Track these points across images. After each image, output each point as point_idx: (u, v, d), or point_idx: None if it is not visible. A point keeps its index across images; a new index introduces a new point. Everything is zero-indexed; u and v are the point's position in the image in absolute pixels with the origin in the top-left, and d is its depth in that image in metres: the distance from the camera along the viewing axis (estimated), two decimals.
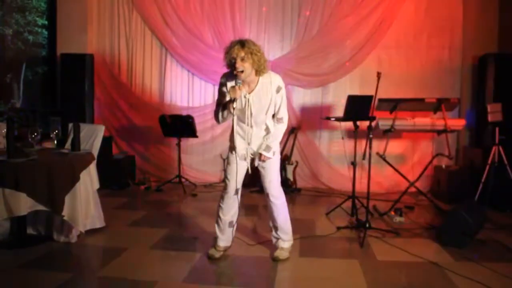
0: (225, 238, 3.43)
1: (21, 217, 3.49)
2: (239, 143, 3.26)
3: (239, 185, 3.37)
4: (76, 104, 5.97)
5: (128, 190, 5.90)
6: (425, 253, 3.49)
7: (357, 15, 6.04)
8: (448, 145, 4.90)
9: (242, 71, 2.99)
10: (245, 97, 3.12)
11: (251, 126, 3.21)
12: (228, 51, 3.02)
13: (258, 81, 3.11)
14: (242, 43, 3.00)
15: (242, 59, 2.97)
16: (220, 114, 3.18)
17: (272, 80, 3.12)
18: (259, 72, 3.06)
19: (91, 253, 3.59)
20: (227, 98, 3.11)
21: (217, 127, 6.37)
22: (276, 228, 3.40)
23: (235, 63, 2.98)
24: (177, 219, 4.60)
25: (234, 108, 3.02)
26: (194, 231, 4.15)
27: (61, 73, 6.11)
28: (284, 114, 3.22)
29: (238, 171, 3.28)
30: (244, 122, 3.20)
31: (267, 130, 3.26)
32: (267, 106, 3.16)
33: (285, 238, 3.40)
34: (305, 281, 3.10)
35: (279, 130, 3.26)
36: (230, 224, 3.42)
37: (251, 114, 3.15)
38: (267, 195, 3.35)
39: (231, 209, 3.40)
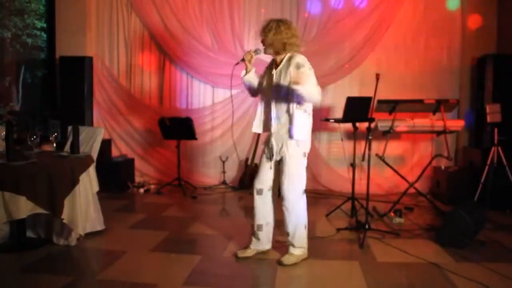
0: (255, 241, 3.42)
1: (20, 220, 3.49)
2: (265, 140, 3.39)
3: (261, 185, 3.34)
4: (75, 107, 5.95)
5: (128, 192, 5.89)
6: (425, 254, 3.50)
7: (355, 17, 6.04)
8: (447, 146, 4.90)
9: (263, 47, 3.32)
10: (271, 73, 3.30)
11: (272, 104, 3.26)
12: None
13: (283, 58, 3.28)
14: (264, 26, 3.30)
15: (262, 40, 3.30)
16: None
17: (293, 58, 3.24)
18: (285, 51, 3.26)
19: (91, 256, 3.59)
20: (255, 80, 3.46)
21: (216, 129, 6.38)
22: (287, 234, 3.34)
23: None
24: (176, 222, 4.59)
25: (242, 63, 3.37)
26: (194, 233, 4.15)
27: (60, 76, 6.10)
28: (311, 84, 3.12)
29: (261, 168, 3.35)
30: (269, 105, 3.29)
31: (291, 121, 3.20)
32: (288, 83, 3.20)
33: (296, 245, 3.32)
34: (305, 282, 3.11)
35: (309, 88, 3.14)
36: (258, 227, 3.38)
37: (272, 86, 3.27)
38: (281, 197, 3.29)
39: (257, 211, 3.37)
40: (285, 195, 3.25)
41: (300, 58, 3.22)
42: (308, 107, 3.26)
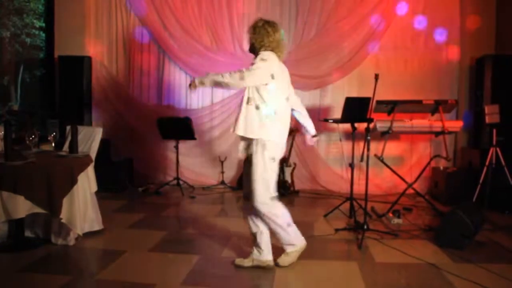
0: (254, 250, 3.25)
1: (19, 220, 3.49)
2: None
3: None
4: (74, 107, 5.95)
5: (126, 192, 5.88)
6: (423, 254, 3.50)
7: (354, 17, 6.05)
8: (446, 147, 4.91)
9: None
10: None
11: None
12: None
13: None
14: None
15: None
16: None
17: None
18: (254, 52, 3.21)
19: (89, 256, 3.59)
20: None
21: (215, 129, 6.38)
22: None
23: None
24: (175, 222, 4.60)
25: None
26: (193, 233, 4.15)
27: (59, 75, 6.10)
28: (241, 72, 3.05)
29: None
30: None
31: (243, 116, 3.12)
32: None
33: (285, 242, 3.23)
34: (303, 283, 3.11)
35: (226, 75, 3.10)
36: (253, 235, 3.24)
37: None
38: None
39: (248, 218, 3.27)
40: (252, 201, 3.09)
41: (259, 54, 3.13)
42: (267, 105, 3.08)
